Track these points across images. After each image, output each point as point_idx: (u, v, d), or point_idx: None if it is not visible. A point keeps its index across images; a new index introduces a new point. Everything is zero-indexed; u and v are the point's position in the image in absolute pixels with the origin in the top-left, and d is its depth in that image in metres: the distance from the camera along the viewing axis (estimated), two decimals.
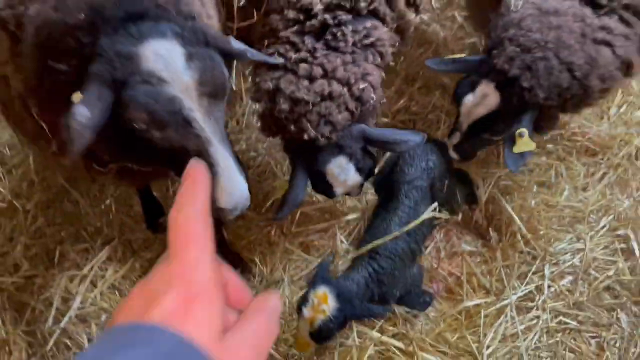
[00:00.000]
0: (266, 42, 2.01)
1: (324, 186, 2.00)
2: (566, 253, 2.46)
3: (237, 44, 1.65)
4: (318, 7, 1.96)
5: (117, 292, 2.42)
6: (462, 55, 2.16)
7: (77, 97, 1.36)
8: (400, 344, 2.17)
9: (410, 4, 2.16)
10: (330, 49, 1.93)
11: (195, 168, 0.79)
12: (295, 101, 1.86)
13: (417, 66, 3.12)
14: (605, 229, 2.51)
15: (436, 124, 2.90)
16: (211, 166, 1.42)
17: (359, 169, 1.96)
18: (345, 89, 1.89)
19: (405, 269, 2.15)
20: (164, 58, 1.41)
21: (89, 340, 2.26)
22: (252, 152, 2.85)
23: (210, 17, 1.96)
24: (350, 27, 1.96)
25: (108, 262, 2.49)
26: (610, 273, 2.39)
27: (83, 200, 2.68)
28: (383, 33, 2.06)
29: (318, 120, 1.86)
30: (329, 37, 1.95)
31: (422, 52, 3.23)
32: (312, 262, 2.45)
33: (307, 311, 1.82)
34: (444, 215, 2.28)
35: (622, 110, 2.85)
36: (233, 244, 2.51)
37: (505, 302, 2.30)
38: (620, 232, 2.50)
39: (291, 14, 1.97)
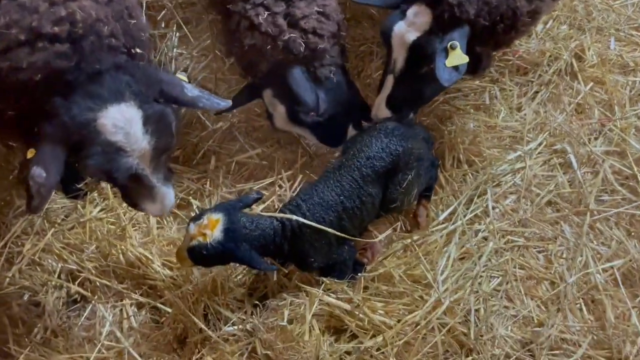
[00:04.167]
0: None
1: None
2: (507, 173, 2.45)
3: (191, 92, 1.70)
4: None
5: (38, 268, 2.19)
6: None
7: (30, 152, 1.49)
8: (345, 305, 1.97)
9: None
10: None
11: None
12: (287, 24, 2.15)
13: None
14: (542, 145, 2.52)
15: (369, 56, 2.80)
16: (149, 188, 1.69)
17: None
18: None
19: (330, 245, 1.99)
20: (124, 129, 1.52)
21: (11, 322, 2.03)
22: None
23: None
24: None
25: (24, 237, 2.24)
26: (551, 188, 2.40)
27: None
28: None
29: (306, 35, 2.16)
30: None
31: None
32: None
33: (192, 227, 1.76)
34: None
35: (548, 26, 2.83)
36: None
37: (453, 227, 2.26)
38: (557, 147, 2.51)
39: None
